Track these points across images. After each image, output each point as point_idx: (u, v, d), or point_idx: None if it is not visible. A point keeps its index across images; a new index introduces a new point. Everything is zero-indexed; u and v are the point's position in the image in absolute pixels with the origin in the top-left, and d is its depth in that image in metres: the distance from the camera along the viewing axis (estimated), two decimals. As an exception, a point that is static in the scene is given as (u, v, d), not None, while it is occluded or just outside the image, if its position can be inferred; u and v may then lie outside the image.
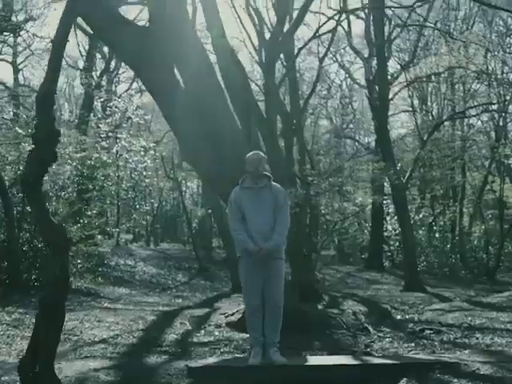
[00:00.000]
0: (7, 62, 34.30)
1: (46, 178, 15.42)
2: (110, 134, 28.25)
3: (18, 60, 34.30)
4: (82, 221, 16.40)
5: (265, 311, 6.30)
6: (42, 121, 4.99)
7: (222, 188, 8.80)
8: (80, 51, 33.25)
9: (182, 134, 8.91)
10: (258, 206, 6.27)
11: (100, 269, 20.03)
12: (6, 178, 15.11)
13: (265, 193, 6.32)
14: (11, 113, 27.11)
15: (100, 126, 28.56)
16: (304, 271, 15.19)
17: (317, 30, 18.11)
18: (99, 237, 33.36)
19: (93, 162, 18.87)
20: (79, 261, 16.00)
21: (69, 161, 16.05)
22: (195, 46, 8.69)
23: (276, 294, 6.31)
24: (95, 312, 11.65)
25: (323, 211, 30.27)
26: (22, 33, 28.95)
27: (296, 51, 21.35)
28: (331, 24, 19.94)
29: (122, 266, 22.31)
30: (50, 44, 31.26)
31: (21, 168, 15.13)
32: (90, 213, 16.97)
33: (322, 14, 25.64)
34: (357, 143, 36.21)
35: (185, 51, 8.54)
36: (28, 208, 15.12)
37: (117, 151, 28.65)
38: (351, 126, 38.27)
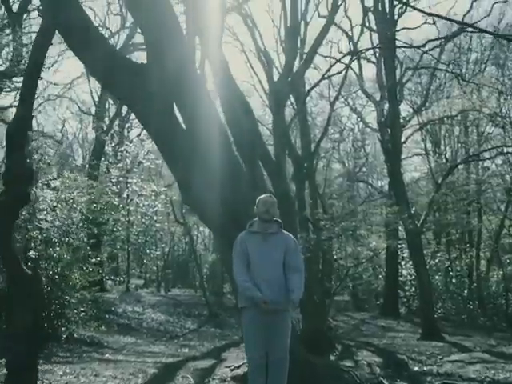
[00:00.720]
0: (21, 108, 34.32)
1: (49, 223, 15.11)
2: (121, 178, 28.02)
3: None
4: (86, 267, 15.78)
5: (268, 367, 5.70)
6: (13, 159, 4.45)
7: (225, 232, 8.24)
8: (93, 97, 33.24)
9: (183, 178, 8.37)
10: (266, 252, 5.76)
11: (107, 316, 19.35)
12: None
13: (274, 239, 5.83)
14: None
15: (111, 170, 28.33)
16: (316, 319, 14.45)
17: (326, 72, 17.74)
18: (109, 282, 32.99)
19: (99, 207, 18.36)
20: (82, 309, 15.31)
21: (73, 205, 15.55)
22: (197, 85, 8.21)
23: (281, 350, 5.73)
24: (94, 365, 10.93)
25: (336, 256, 29.59)
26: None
27: (308, 95, 20.94)
28: (342, 66, 19.50)
29: (130, 313, 21.57)
30: (64, 90, 31.31)
31: (23, 212, 14.66)
32: (94, 259, 16.35)
33: (332, 57, 25.49)
34: (370, 187, 35.58)
35: (185, 90, 8.06)
36: (31, 253, 14.64)
37: (127, 196, 28.35)
38: (364, 169, 37.74)
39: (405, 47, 23.74)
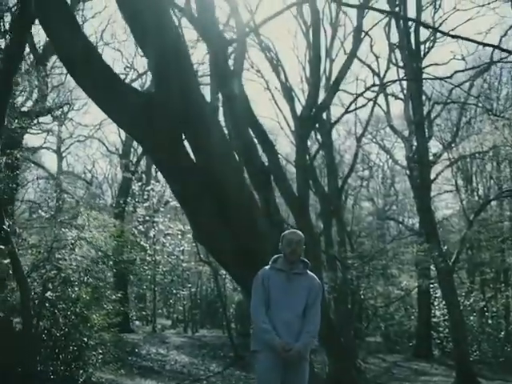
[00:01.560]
0: (52, 150, 34.66)
1: (67, 262, 14.69)
2: (148, 217, 27.75)
3: (62, 148, 34.64)
4: (106, 307, 15.24)
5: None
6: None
7: (238, 270, 7.67)
8: (120, 137, 33.30)
9: (193, 212, 7.85)
10: (289, 293, 5.18)
11: (129, 358, 18.71)
12: (27, 262, 14.22)
13: (298, 280, 5.25)
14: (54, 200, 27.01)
15: (137, 209, 28.10)
16: (344, 361, 13.63)
17: (352, 102, 17.34)
18: (137, 323, 32.40)
19: (123, 245, 17.92)
20: (101, 351, 14.73)
21: (94, 244, 15.10)
22: (207, 114, 7.74)
23: (298, 398, 5.17)
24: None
25: (365, 296, 28.59)
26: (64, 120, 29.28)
27: (333, 128, 20.47)
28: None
29: (153, 354, 20.91)
30: (93, 131, 31.39)
31: (41, 252, 14.29)
32: (114, 296, 15.81)
33: (356, 94, 25.03)
34: (400, 225, 34.66)
35: (194, 119, 7.60)
36: (49, 293, 14.19)
37: (154, 235, 28.01)
38: (394, 207, 36.89)
39: (431, 79, 23.19)
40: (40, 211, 15.15)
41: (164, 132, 7.35)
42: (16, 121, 17.74)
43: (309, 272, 5.34)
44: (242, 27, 14.36)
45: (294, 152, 29.05)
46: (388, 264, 26.26)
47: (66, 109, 28.59)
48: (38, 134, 29.06)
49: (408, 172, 25.22)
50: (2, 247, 13.22)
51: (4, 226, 12.77)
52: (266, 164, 14.26)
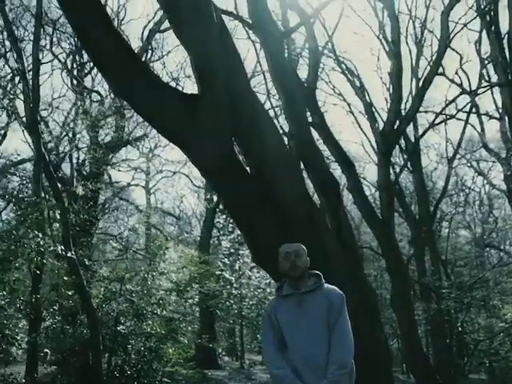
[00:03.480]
0: (141, 186, 34.76)
1: (139, 293, 13.83)
2: (233, 250, 26.93)
3: (150, 184, 34.67)
4: (181, 340, 14.26)
5: None
6: None
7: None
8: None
9: (249, 229, 6.65)
10: (303, 319, 4.01)
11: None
12: (99, 295, 13.54)
13: (312, 299, 4.08)
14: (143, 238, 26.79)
15: (222, 242, 27.39)
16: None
17: (436, 117, 15.67)
18: (226, 358, 31.29)
19: (202, 277, 16.99)
20: (177, 387, 13.75)
21: (166, 275, 14.25)
22: (260, 116, 6.60)
23: None
24: None
25: (465, 329, 26.10)
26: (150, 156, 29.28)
27: (420, 147, 18.83)
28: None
29: (236, 392, 19.69)
30: (180, 166, 31.13)
31: (112, 284, 13.57)
32: (185, 327, 14.80)
33: (450, 116, 23.17)
34: (502, 252, 31.87)
35: (246, 122, 6.47)
36: (121, 327, 13.39)
37: (239, 268, 27.07)
38: (494, 234, 34.09)
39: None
40: (111, 242, 14.49)
41: (212, 136, 6.26)
42: (95, 153, 17.50)
43: (325, 285, 4.16)
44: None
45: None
46: (489, 294, 23.78)
47: (152, 145, 28.66)
48: (128, 171, 29.27)
49: (508, 197, 22.96)
50: (69, 278, 12.62)
51: (73, 257, 12.15)
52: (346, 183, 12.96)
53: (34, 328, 11.44)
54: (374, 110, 19.30)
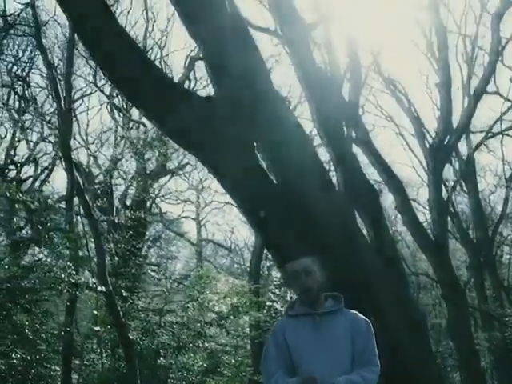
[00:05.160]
0: (192, 218, 34.27)
1: (179, 324, 13.00)
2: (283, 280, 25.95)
3: (201, 216, 34.14)
4: (225, 373, 13.32)
5: None
6: None
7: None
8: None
9: (276, 244, 5.77)
10: (322, 346, 3.24)
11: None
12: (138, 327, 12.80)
13: (332, 322, 3.32)
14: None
15: (272, 272, 26.50)
16: None
17: (493, 125, 14.47)
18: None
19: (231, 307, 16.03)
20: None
21: (206, 304, 13.42)
22: (283, 116, 5.75)
23: None
24: None
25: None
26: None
27: (474, 161, 17.55)
28: None
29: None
30: (229, 199, 30.73)
31: (150, 315, 12.79)
32: (229, 360, 13.83)
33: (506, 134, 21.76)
34: None
35: (268, 123, 5.63)
36: (161, 360, 12.58)
37: (291, 298, 25.98)
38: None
39: None
40: (150, 271, 13.81)
41: (230, 141, 5.46)
42: (140, 181, 17.09)
43: (345, 310, 3.41)
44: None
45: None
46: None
47: (202, 177, 28.25)
48: (178, 203, 28.85)
49: None
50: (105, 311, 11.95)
51: (109, 288, 11.48)
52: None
53: (67, 364, 10.78)
54: (424, 130, 18.27)
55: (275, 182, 5.81)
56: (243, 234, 55.35)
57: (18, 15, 15.20)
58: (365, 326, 3.35)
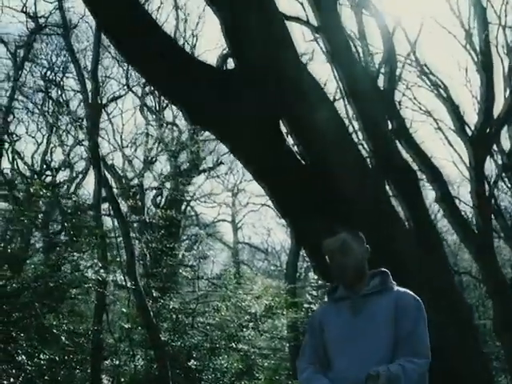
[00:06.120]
0: (228, 221, 33.97)
1: (212, 326, 12.49)
2: (320, 282, 25.35)
3: (237, 218, 33.82)
4: (258, 376, 12.77)
5: None
6: None
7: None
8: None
9: (303, 234, 5.22)
10: (356, 333, 2.74)
11: None
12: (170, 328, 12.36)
13: (373, 305, 2.80)
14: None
15: (309, 274, 25.97)
16: None
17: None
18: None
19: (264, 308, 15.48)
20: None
21: (242, 305, 12.91)
22: (310, 92, 5.19)
23: None
24: None
25: None
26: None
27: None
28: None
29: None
30: (266, 199, 30.35)
31: (182, 316, 12.35)
32: (263, 363, 13.26)
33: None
34: None
35: (293, 99, 5.08)
36: (194, 362, 12.11)
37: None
38: None
39: None
40: (182, 271, 13.38)
41: (252, 119, 4.93)
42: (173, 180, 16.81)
43: (395, 288, 2.88)
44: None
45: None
46: None
47: (237, 179, 27.97)
48: (213, 207, 28.58)
49: None
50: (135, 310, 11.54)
51: (139, 288, 11.07)
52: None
53: (96, 365, 10.39)
54: (464, 123, 17.45)
55: (303, 163, 5.28)
56: (280, 237, 54.79)
57: (47, 17, 15.09)
58: (413, 305, 2.79)
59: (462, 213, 14.81)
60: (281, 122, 5.20)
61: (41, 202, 14.62)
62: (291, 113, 5.11)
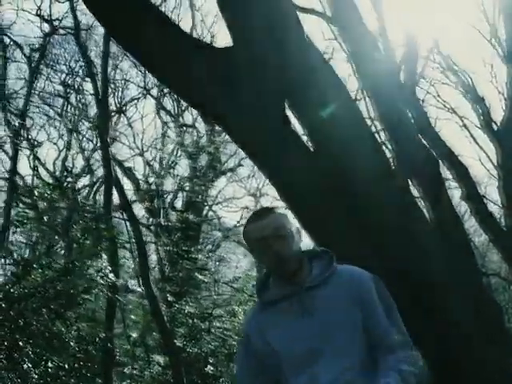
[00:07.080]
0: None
1: (230, 331, 11.94)
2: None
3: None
4: None
5: None
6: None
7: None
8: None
9: (308, 220, 4.57)
10: (318, 339, 2.08)
11: None
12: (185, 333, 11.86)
13: (326, 298, 2.13)
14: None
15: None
16: None
17: None
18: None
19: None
20: None
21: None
22: (318, 73, 4.62)
23: None
24: None
25: None
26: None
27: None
28: None
29: None
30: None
31: (198, 321, 11.86)
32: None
33: None
34: None
35: (300, 82, 4.52)
36: (210, 368, 11.59)
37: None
38: None
39: None
40: (198, 275, 12.85)
41: (252, 100, 4.37)
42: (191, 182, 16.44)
43: (338, 267, 2.21)
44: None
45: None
46: None
47: (259, 183, 27.62)
48: (236, 211, 28.25)
49: None
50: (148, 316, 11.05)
51: (149, 293, 10.59)
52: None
53: (107, 372, 9.92)
54: (490, 119, 16.73)
55: (312, 150, 4.70)
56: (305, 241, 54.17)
57: (61, 20, 14.88)
58: (368, 280, 2.17)
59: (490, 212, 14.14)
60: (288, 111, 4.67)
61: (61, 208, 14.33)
62: (297, 97, 4.55)
